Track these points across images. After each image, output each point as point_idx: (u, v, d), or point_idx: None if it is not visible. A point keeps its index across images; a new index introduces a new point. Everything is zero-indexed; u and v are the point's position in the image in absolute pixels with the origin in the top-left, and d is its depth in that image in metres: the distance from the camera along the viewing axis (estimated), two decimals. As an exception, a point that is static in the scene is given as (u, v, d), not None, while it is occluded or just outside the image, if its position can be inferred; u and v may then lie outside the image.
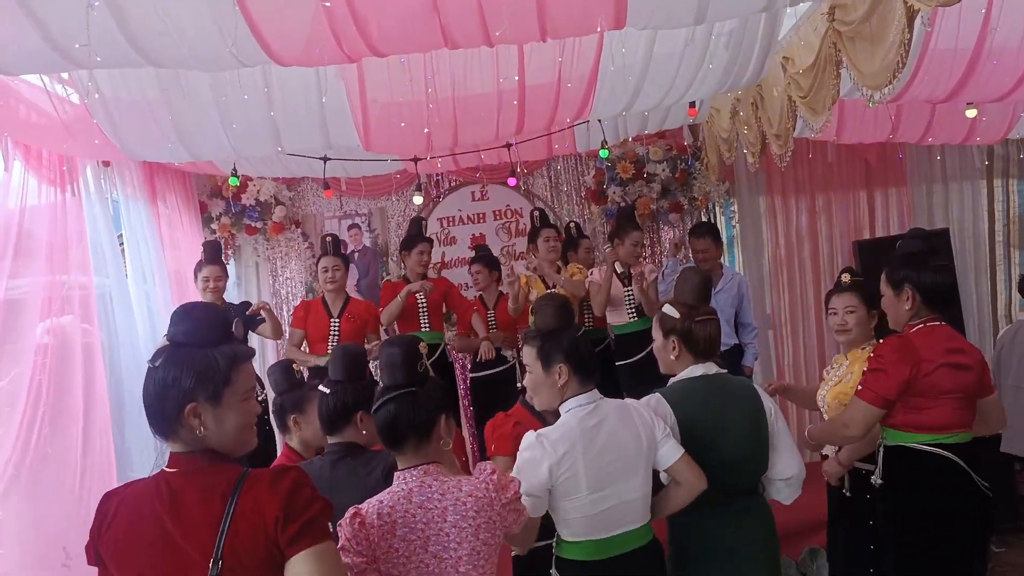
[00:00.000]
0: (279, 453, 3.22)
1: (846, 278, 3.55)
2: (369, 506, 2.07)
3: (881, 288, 3.11)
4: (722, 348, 5.31)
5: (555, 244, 5.62)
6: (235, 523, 1.70)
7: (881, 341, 2.97)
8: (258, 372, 5.56)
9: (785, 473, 2.79)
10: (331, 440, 2.68)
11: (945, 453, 2.88)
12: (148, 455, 1.89)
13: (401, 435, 2.14)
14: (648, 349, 5.41)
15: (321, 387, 2.72)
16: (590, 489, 2.46)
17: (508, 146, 5.30)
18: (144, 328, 5.26)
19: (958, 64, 4.10)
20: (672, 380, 2.82)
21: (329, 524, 1.78)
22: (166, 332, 1.84)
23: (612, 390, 2.90)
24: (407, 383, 2.18)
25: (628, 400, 2.70)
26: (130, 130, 4.10)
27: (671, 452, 2.59)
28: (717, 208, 6.74)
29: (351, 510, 2.08)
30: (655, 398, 2.75)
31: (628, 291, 5.49)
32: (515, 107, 4.16)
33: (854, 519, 3.27)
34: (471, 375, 5.94)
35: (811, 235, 6.78)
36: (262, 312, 5.22)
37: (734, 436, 2.72)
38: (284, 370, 3.13)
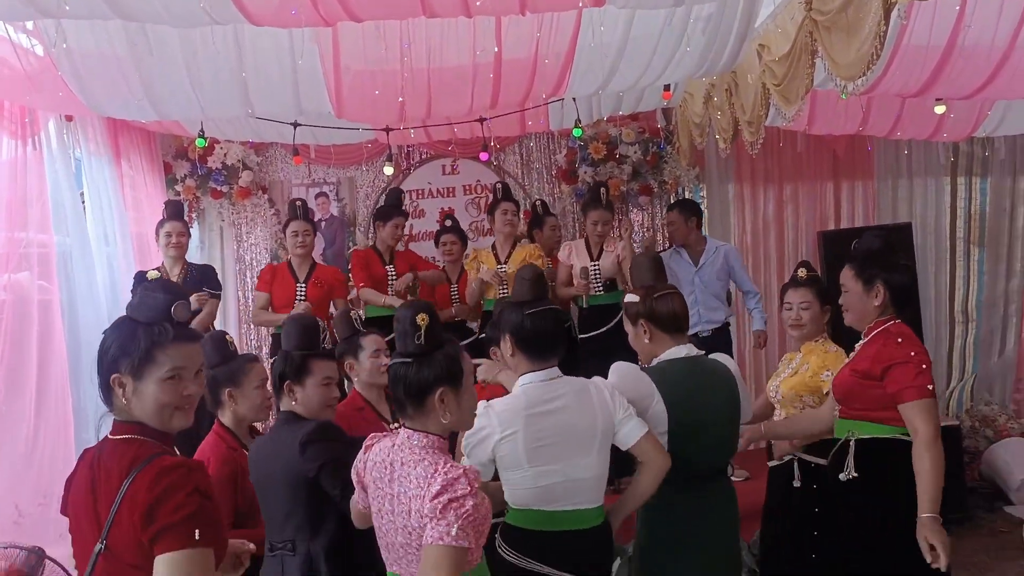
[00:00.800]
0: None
1: (802, 273, 3.57)
2: (382, 440, 2.16)
3: (846, 283, 3.12)
4: (711, 326, 5.52)
5: (512, 218, 5.58)
6: (121, 506, 1.75)
7: (898, 340, 2.95)
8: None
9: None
10: (281, 408, 2.79)
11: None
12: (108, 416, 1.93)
13: (400, 400, 2.12)
14: (614, 321, 5.50)
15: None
16: (531, 463, 2.46)
17: (481, 120, 5.27)
18: (105, 289, 5.17)
19: (930, 60, 4.14)
20: (653, 362, 2.80)
21: (197, 532, 1.72)
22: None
23: (572, 365, 2.90)
24: (409, 352, 2.13)
25: (594, 379, 2.71)
26: (96, 84, 4.01)
27: (633, 431, 2.56)
28: (687, 193, 6.76)
29: (372, 436, 2.20)
30: (634, 369, 2.72)
31: (595, 265, 5.51)
32: (491, 80, 4.14)
33: (801, 509, 3.31)
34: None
35: (777, 224, 6.85)
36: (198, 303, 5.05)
37: (714, 418, 2.74)
38: (216, 342, 3.04)
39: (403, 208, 5.64)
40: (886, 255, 3.05)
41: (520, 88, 4.30)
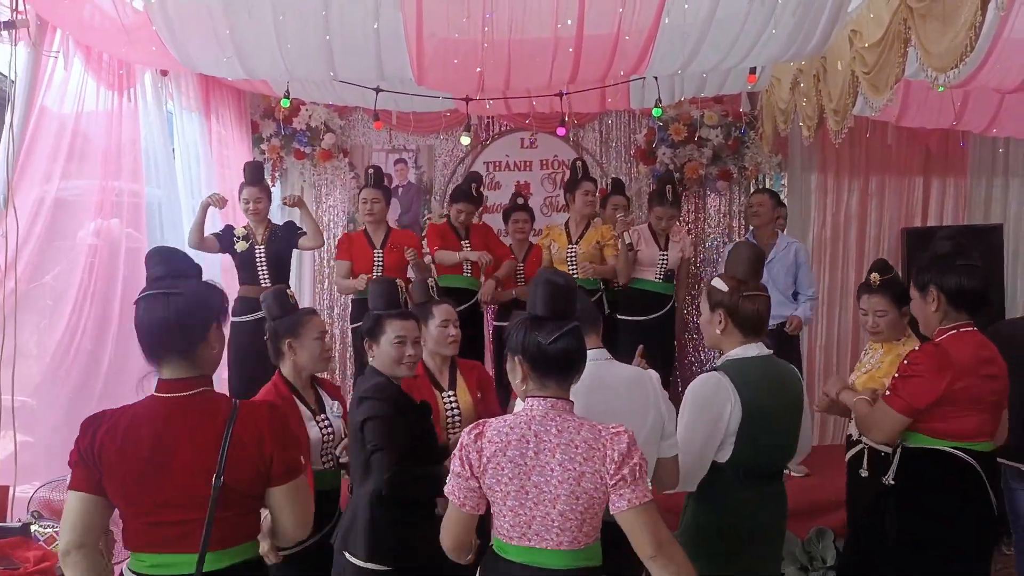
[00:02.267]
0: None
1: (875, 278, 3.45)
2: (495, 421, 2.15)
3: (911, 291, 3.05)
4: (775, 322, 5.41)
5: (592, 199, 5.59)
6: (233, 446, 1.99)
7: (917, 348, 2.89)
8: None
9: (799, 458, 2.88)
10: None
11: (967, 458, 2.84)
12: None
13: (573, 367, 2.15)
14: (661, 312, 5.48)
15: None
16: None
17: (560, 95, 5.25)
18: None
19: (1032, 53, 3.96)
20: (724, 358, 2.76)
21: (302, 458, 2.12)
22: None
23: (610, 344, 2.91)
24: (574, 318, 2.18)
25: (650, 373, 2.70)
26: (188, 40, 4.14)
27: (669, 448, 2.56)
28: (767, 180, 6.62)
29: (477, 423, 2.16)
30: (715, 378, 2.67)
31: (663, 254, 5.49)
32: (571, 55, 4.11)
33: (872, 499, 3.23)
34: (495, 323, 6.02)
35: (860, 218, 6.65)
36: (296, 207, 5.27)
37: (782, 420, 2.71)
38: (277, 295, 3.22)
39: (476, 193, 5.63)
40: (942, 258, 2.95)
41: (600, 64, 4.26)
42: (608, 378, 2.54)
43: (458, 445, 2.13)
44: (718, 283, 2.79)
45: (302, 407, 3.08)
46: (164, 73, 5.19)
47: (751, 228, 5.74)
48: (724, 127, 6.46)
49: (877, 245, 6.62)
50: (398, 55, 4.22)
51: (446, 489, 2.16)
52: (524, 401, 2.16)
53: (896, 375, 2.90)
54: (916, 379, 2.82)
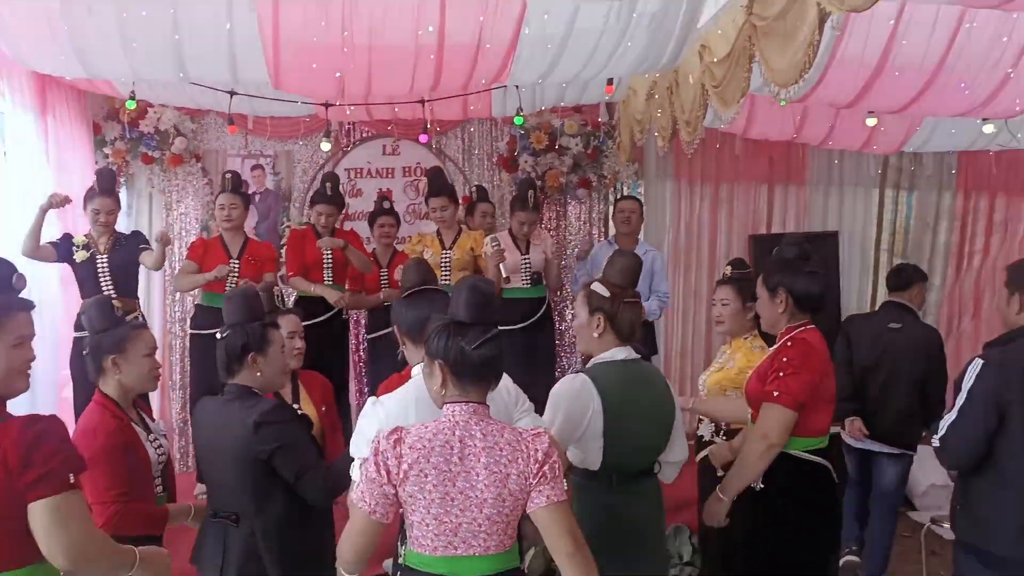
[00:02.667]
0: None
1: (727, 271, 3.68)
2: (414, 428, 2.10)
3: (758, 290, 3.21)
4: None
5: (441, 215, 5.53)
6: None
7: (788, 344, 3.02)
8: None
9: (677, 457, 2.90)
10: (228, 383, 2.72)
11: (822, 461, 3.02)
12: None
13: (491, 374, 2.15)
14: (537, 316, 5.56)
15: (218, 333, 2.72)
16: None
17: (423, 102, 5.22)
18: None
19: (863, 72, 4.25)
20: (592, 362, 2.81)
21: (71, 476, 1.95)
22: None
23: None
24: (494, 324, 2.17)
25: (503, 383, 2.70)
26: (23, 35, 3.86)
27: (527, 426, 2.53)
28: (625, 188, 6.82)
29: (394, 429, 2.10)
30: (580, 379, 2.72)
31: (525, 259, 5.56)
32: (433, 63, 4.10)
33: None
34: (366, 336, 5.94)
35: (711, 224, 6.96)
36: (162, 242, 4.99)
37: (648, 420, 2.78)
38: (101, 306, 2.92)
39: (332, 192, 5.49)
40: (792, 262, 3.13)
41: (462, 72, 4.27)
42: None
43: (372, 450, 2.06)
44: (599, 288, 2.84)
45: (137, 428, 2.83)
46: (-7, 69, 4.82)
47: (612, 235, 5.90)
48: (584, 136, 6.61)
49: (727, 250, 6.93)
50: (254, 58, 4.09)
51: (354, 496, 2.09)
52: (443, 407, 2.14)
53: (777, 375, 2.96)
54: (793, 375, 2.93)
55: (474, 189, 6.30)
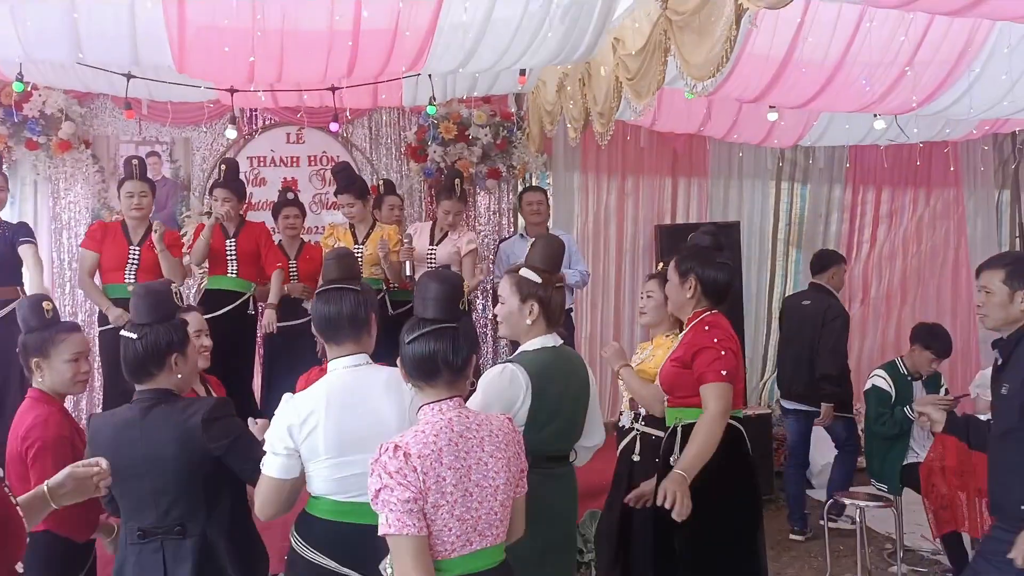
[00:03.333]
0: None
1: (660, 266, 3.78)
2: (408, 437, 2.01)
3: (669, 274, 3.30)
4: None
5: (348, 211, 5.43)
6: None
7: (707, 328, 3.07)
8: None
9: (593, 441, 2.92)
10: (140, 388, 2.51)
11: (736, 424, 3.10)
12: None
13: (437, 369, 2.09)
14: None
15: (125, 332, 2.50)
16: (329, 453, 2.36)
17: (333, 89, 5.10)
18: None
19: (770, 68, 4.39)
20: (521, 349, 2.79)
21: None
22: None
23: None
24: (447, 319, 2.13)
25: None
26: None
27: None
28: (534, 179, 6.86)
29: (389, 443, 1.98)
30: (509, 370, 2.68)
31: (431, 250, 5.48)
32: (348, 49, 4.01)
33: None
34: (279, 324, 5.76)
35: (618, 215, 7.08)
36: None
37: (572, 406, 2.79)
38: (32, 305, 2.84)
39: (235, 180, 5.28)
40: (706, 252, 3.24)
41: (377, 59, 4.19)
42: (361, 385, 2.45)
43: (385, 474, 1.95)
44: (529, 274, 2.81)
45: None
46: None
47: (523, 225, 5.91)
48: (493, 126, 6.59)
49: (634, 240, 7.09)
50: (156, 40, 3.90)
51: (394, 528, 1.94)
52: (425, 408, 2.11)
53: (718, 355, 3.01)
54: (724, 352, 3.00)
55: (381, 182, 6.20)
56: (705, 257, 3.20)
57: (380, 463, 1.97)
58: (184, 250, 5.30)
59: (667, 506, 2.82)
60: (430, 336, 2.10)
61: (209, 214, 6.06)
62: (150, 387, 2.50)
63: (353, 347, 2.49)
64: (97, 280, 5.05)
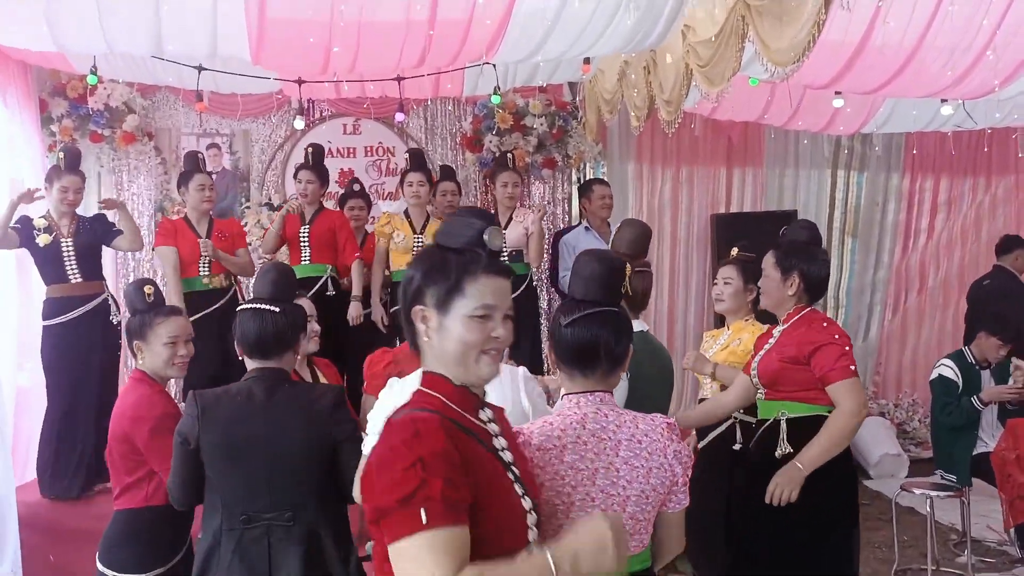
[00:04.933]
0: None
1: (733, 252, 3.73)
2: (533, 427, 1.89)
3: (766, 268, 3.24)
4: None
5: (417, 189, 5.47)
6: None
7: (823, 324, 3.05)
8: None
9: None
10: (258, 365, 2.46)
11: None
12: None
13: (597, 358, 1.92)
14: (516, 294, 5.51)
15: (263, 305, 2.46)
16: None
17: (399, 79, 5.12)
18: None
19: (843, 54, 4.34)
20: None
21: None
22: None
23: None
24: (610, 302, 1.98)
25: (518, 370, 2.68)
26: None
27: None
28: (589, 168, 6.84)
29: (516, 430, 1.84)
30: None
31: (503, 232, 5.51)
32: (423, 39, 4.02)
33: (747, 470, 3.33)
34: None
35: (673, 205, 7.05)
36: (115, 210, 4.87)
37: (659, 390, 2.82)
38: (135, 289, 2.90)
39: (319, 164, 5.44)
40: (807, 247, 3.18)
41: (450, 49, 4.21)
42: None
43: None
44: None
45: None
46: (-59, 42, 4.53)
47: (584, 220, 5.89)
48: (549, 116, 6.58)
49: (688, 230, 7.06)
50: (235, 32, 3.93)
51: None
52: (565, 398, 1.96)
53: (843, 351, 2.97)
54: (847, 349, 2.98)
55: (439, 167, 6.22)
56: (808, 253, 3.15)
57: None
58: (256, 240, 5.39)
59: (777, 503, 2.79)
60: (592, 320, 1.94)
61: (269, 204, 6.16)
62: (270, 366, 2.45)
63: None
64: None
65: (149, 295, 2.86)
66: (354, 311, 5.14)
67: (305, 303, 3.20)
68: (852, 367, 2.95)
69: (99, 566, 2.74)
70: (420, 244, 5.42)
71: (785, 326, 3.16)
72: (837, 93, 5.31)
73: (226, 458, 2.36)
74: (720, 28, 4.05)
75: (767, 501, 2.85)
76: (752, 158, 7.15)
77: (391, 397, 2.30)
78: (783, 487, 2.83)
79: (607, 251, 2.21)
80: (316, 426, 2.36)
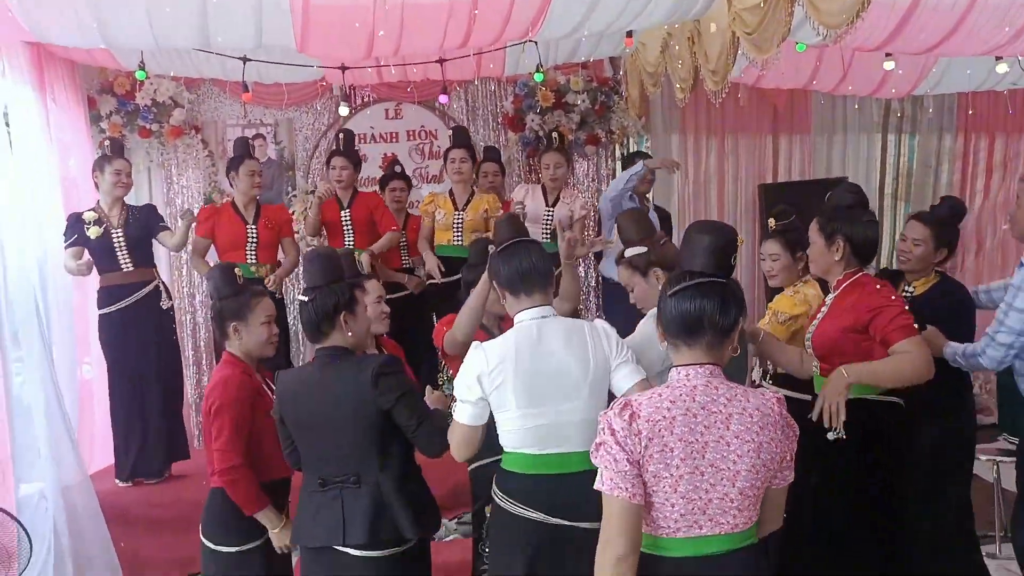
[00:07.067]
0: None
1: (771, 223, 3.62)
2: (642, 398, 1.89)
3: (811, 235, 3.15)
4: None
5: (460, 166, 5.47)
6: None
7: (877, 287, 2.94)
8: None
9: None
10: (318, 347, 2.66)
11: (896, 399, 2.97)
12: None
13: (701, 329, 1.90)
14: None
15: (300, 296, 2.66)
16: (519, 405, 2.42)
17: (441, 61, 5.11)
18: (33, 233, 4.79)
19: (895, 14, 4.23)
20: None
21: None
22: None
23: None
24: (718, 273, 1.97)
25: (594, 321, 2.67)
26: (42, 5, 3.67)
27: (626, 378, 2.51)
28: (632, 143, 6.77)
29: (620, 400, 1.90)
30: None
31: (548, 211, 5.50)
32: (467, 19, 3.99)
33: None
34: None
35: (719, 175, 6.98)
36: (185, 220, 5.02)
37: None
38: (224, 272, 3.04)
39: (350, 149, 5.49)
40: (851, 210, 3.06)
41: (494, 28, 4.17)
42: (546, 337, 2.50)
43: (607, 431, 1.87)
44: (635, 251, 2.94)
45: (263, 384, 2.95)
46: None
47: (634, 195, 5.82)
48: (591, 92, 6.52)
49: (736, 200, 6.98)
50: (279, 22, 3.95)
51: (607, 487, 1.86)
52: (675, 370, 1.95)
53: (901, 312, 2.85)
54: (906, 308, 2.87)
55: (483, 148, 6.21)
56: (850, 216, 3.03)
57: (607, 418, 1.89)
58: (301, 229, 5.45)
59: (828, 422, 2.73)
60: (696, 290, 1.91)
61: (315, 192, 6.19)
62: (326, 345, 2.64)
63: (541, 298, 2.55)
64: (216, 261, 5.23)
65: (240, 277, 3.01)
66: (364, 258, 5.10)
67: (372, 283, 3.24)
68: (915, 325, 2.84)
69: (202, 538, 2.95)
70: (461, 221, 5.43)
71: (835, 293, 3.06)
72: (888, 55, 5.19)
73: (298, 429, 2.66)
74: (767, -7, 3.96)
75: (814, 419, 2.76)
76: (799, 125, 7.02)
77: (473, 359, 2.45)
78: (830, 399, 2.75)
79: (717, 221, 2.23)
80: (361, 397, 2.55)
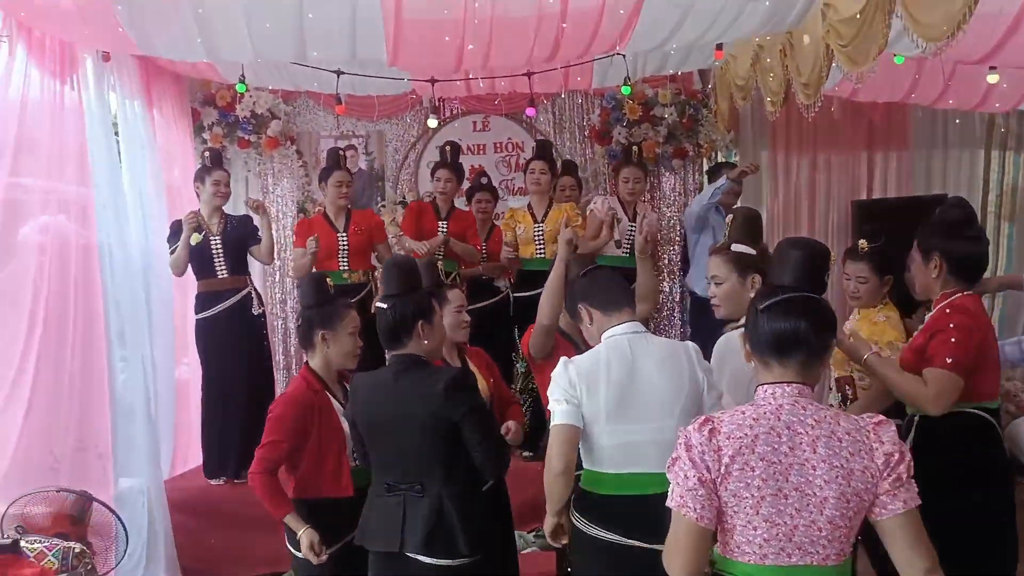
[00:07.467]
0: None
1: (863, 244, 3.49)
2: (724, 415, 1.83)
3: (913, 253, 3.05)
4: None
5: (538, 177, 5.52)
6: None
7: (947, 311, 2.84)
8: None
9: None
10: (393, 353, 2.71)
11: (985, 415, 2.85)
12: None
13: (795, 346, 1.82)
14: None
15: (378, 303, 2.73)
16: (609, 417, 2.43)
17: (529, 74, 5.16)
18: (139, 238, 5.05)
19: (1000, 26, 4.08)
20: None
21: None
22: None
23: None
24: (812, 289, 1.91)
25: (686, 344, 2.66)
26: (148, 19, 3.87)
27: (715, 408, 2.51)
28: (720, 157, 6.68)
29: (700, 417, 1.85)
30: (736, 334, 2.65)
31: (632, 226, 5.48)
32: (555, 31, 4.03)
33: None
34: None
35: (809, 192, 6.81)
36: (258, 213, 5.15)
37: None
38: (315, 282, 3.11)
39: (455, 162, 5.63)
40: (952, 226, 2.92)
41: (582, 41, 4.19)
42: (638, 353, 2.50)
43: (683, 445, 1.81)
44: (744, 248, 2.88)
45: (335, 402, 2.99)
46: (107, 58, 4.83)
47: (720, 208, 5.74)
48: (678, 105, 6.47)
49: (827, 217, 6.80)
50: (373, 35, 4.06)
51: (675, 503, 1.81)
52: (761, 388, 1.88)
53: (948, 340, 2.76)
54: (960, 340, 2.75)
55: (562, 162, 6.22)
56: (950, 232, 2.89)
57: (686, 433, 1.83)
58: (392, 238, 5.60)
59: None
60: (790, 305, 1.83)
61: (403, 202, 6.33)
62: (402, 352, 2.70)
63: (629, 315, 2.57)
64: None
65: (331, 287, 3.11)
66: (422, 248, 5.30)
67: (454, 293, 3.31)
68: (949, 359, 2.70)
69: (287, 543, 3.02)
70: (541, 233, 5.47)
71: (931, 313, 2.93)
72: (992, 68, 4.99)
73: (369, 434, 2.73)
74: (864, 4, 3.86)
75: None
76: (896, 140, 6.80)
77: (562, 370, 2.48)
78: (844, 349, 2.83)
79: (807, 238, 2.21)
80: (431, 407, 2.58)
